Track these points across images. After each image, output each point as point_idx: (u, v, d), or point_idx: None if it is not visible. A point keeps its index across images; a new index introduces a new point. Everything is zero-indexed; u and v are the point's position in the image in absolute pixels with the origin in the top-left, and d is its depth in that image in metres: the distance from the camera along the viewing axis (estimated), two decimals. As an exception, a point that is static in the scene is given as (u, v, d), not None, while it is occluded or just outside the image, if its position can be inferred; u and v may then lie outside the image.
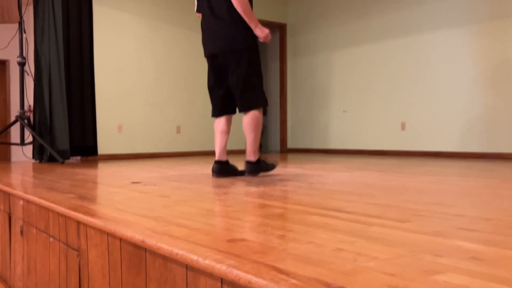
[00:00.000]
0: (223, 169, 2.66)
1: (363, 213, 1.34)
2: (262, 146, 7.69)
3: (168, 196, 1.77)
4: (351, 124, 6.16)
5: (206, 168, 3.46)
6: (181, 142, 5.98)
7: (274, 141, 7.45)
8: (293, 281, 0.70)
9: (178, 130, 5.96)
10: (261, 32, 2.55)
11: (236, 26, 2.54)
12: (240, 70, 2.55)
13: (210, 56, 2.65)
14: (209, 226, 1.16)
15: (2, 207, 2.29)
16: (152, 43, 5.71)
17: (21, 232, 1.95)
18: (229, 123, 2.73)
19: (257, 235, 1.04)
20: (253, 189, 2.02)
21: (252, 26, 2.54)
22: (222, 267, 0.79)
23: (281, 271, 0.75)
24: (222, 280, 0.81)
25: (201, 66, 6.16)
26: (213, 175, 2.66)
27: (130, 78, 5.51)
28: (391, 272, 0.74)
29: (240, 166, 2.85)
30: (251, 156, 2.64)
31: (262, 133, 8.61)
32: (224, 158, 2.69)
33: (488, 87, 4.80)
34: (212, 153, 6.11)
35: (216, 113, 2.72)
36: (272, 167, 2.74)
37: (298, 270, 0.75)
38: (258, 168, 2.65)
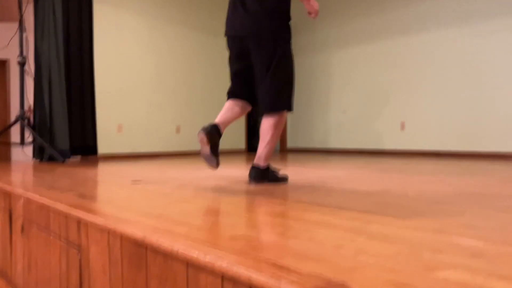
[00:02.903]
0: (217, 132, 2.21)
1: (363, 211, 1.34)
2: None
3: (169, 194, 1.77)
4: (351, 124, 6.16)
5: (205, 167, 3.46)
6: (181, 142, 5.98)
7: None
8: (294, 277, 0.70)
9: (178, 130, 5.96)
10: (312, 5, 2.24)
11: (269, 16, 2.22)
12: (269, 64, 2.20)
13: (235, 37, 2.30)
14: (210, 223, 1.16)
15: (2, 205, 2.29)
16: (153, 42, 5.71)
17: (22, 229, 1.96)
18: (242, 109, 2.33)
19: (258, 232, 1.04)
20: (253, 186, 2.02)
21: None
22: (223, 264, 0.79)
23: (281, 268, 0.75)
24: (223, 277, 0.82)
25: (202, 66, 6.16)
26: (200, 132, 2.17)
27: (130, 78, 5.51)
28: (391, 268, 0.74)
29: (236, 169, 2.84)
30: (260, 161, 2.24)
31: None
32: (222, 126, 2.26)
33: (488, 88, 4.80)
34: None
35: (231, 94, 2.34)
36: (283, 180, 2.30)
37: (299, 266, 0.76)
38: (265, 175, 2.25)
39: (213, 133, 2.15)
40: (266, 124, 2.21)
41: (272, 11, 2.24)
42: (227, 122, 2.28)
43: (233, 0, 2.36)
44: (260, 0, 2.25)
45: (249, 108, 2.35)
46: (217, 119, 2.26)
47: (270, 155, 2.25)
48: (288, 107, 2.22)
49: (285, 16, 2.26)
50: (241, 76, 2.34)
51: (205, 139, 2.13)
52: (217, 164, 2.19)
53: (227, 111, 2.29)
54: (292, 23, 6.99)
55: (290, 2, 2.31)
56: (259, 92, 2.25)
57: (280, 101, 2.20)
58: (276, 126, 2.21)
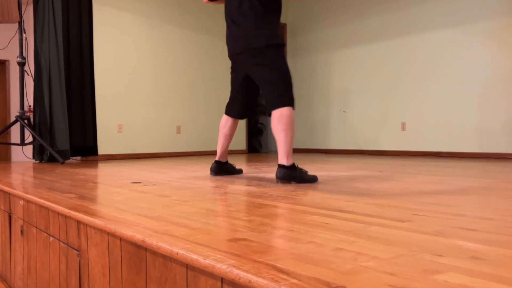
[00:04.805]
0: (221, 169, 2.76)
1: (363, 213, 1.34)
2: (263, 146, 7.69)
3: (168, 196, 1.77)
4: (351, 124, 6.16)
5: (206, 168, 3.46)
6: (181, 142, 5.98)
7: (275, 141, 7.45)
8: (293, 280, 0.70)
9: (178, 130, 5.96)
10: None
11: (259, 24, 2.40)
12: (267, 67, 2.40)
13: (233, 55, 2.56)
14: (209, 225, 1.16)
15: (2, 207, 2.29)
16: (152, 43, 5.71)
17: (21, 231, 1.95)
18: (234, 127, 2.73)
19: (257, 235, 1.04)
20: (253, 189, 2.02)
21: None
22: (223, 267, 0.79)
23: (281, 271, 0.75)
24: (223, 280, 0.81)
25: (201, 66, 6.16)
26: (211, 173, 2.76)
27: (130, 78, 5.51)
28: (391, 271, 0.74)
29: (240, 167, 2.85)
30: (283, 160, 2.27)
31: (262, 133, 8.49)
32: (223, 160, 2.76)
33: (488, 88, 4.80)
34: (212, 153, 6.11)
35: (227, 110, 2.70)
36: (312, 179, 2.31)
37: (298, 269, 0.75)
38: (292, 174, 2.25)
39: (219, 171, 2.73)
40: (275, 123, 2.34)
41: (259, 21, 2.41)
42: (226, 147, 2.73)
43: (227, 20, 2.59)
44: (246, 14, 2.44)
45: (236, 124, 2.73)
46: (218, 153, 2.75)
47: (289, 152, 2.29)
48: (291, 104, 2.38)
49: (273, 25, 2.44)
50: (241, 89, 2.62)
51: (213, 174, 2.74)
52: (215, 175, 2.71)
53: (223, 139, 2.72)
54: (291, 23, 6.99)
55: (278, 14, 2.49)
56: (265, 96, 2.43)
57: (283, 98, 2.35)
58: (284, 123, 2.31)
